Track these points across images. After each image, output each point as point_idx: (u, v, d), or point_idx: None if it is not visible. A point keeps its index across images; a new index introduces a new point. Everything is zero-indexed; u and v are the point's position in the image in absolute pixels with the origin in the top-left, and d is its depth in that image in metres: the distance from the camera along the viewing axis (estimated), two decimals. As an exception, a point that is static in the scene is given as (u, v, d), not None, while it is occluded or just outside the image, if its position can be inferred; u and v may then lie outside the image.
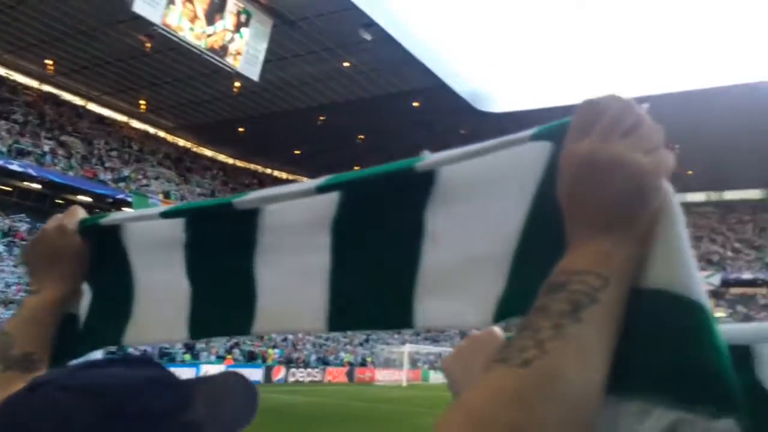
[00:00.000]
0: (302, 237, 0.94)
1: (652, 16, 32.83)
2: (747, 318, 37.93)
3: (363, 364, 41.69)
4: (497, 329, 0.89)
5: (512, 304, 0.76)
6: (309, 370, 36.68)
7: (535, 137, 0.75)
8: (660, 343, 0.59)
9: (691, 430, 0.56)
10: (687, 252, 0.62)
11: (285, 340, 38.38)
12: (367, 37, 29.66)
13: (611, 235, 0.62)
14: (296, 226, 0.94)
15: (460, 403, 0.54)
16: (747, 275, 41.39)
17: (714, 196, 48.85)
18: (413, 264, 0.87)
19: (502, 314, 0.79)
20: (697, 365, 0.58)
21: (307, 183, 0.93)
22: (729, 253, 43.72)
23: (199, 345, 32.13)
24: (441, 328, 0.93)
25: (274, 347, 36.91)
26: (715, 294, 40.50)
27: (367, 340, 44.45)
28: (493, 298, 0.79)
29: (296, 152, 48.31)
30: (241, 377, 0.87)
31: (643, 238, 0.62)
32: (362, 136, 43.66)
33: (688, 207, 49.17)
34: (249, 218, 0.96)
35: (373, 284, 0.91)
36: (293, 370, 35.60)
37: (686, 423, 0.56)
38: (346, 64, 33.98)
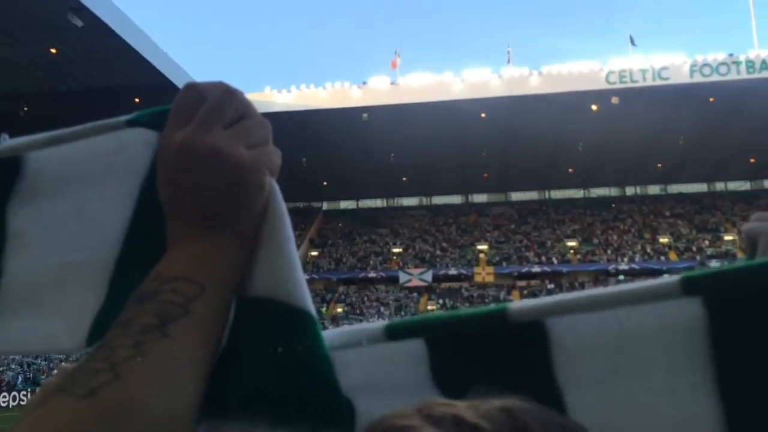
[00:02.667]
0: None
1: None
2: (454, 308, 42.50)
3: (83, 382, 37.61)
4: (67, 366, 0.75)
5: (112, 321, 0.63)
6: (15, 393, 31.98)
7: (131, 123, 0.67)
8: (262, 357, 0.54)
9: None
10: (292, 256, 0.57)
11: (-18, 362, 32.98)
12: (78, 22, 26.88)
13: (211, 235, 0.56)
14: None
15: None
16: (453, 271, 46.46)
17: (425, 200, 54.34)
18: None
19: (98, 334, 0.67)
20: (297, 379, 0.54)
21: None
22: (438, 252, 48.75)
23: None
24: (27, 353, 0.74)
25: (-33, 371, 31.49)
26: (429, 289, 44.83)
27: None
28: (90, 314, 0.68)
29: (-7, 146, 41.90)
30: None
31: (248, 241, 0.57)
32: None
33: (404, 210, 53.97)
34: None
35: None
36: (-6, 394, 30.74)
37: None
38: (53, 50, 30.40)
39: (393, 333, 0.61)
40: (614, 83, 36.68)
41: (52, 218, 0.70)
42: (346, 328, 0.64)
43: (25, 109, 36.43)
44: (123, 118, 0.67)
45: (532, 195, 53.59)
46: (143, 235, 0.66)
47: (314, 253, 48.29)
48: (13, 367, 34.94)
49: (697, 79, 35.76)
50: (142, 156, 0.66)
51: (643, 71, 36.49)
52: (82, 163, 0.68)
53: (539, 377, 0.57)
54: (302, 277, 0.58)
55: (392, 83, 38.80)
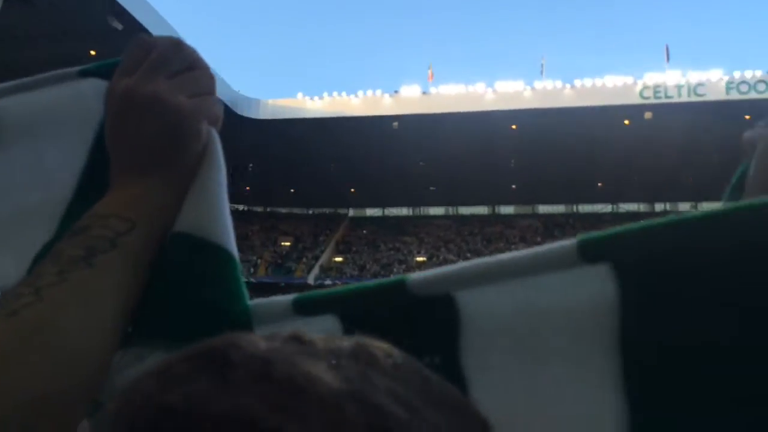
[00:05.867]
0: None
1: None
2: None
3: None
4: None
5: None
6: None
7: (84, 73, 0.70)
8: (172, 286, 0.57)
9: None
10: (218, 198, 0.59)
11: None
12: (118, 26, 27.52)
13: (148, 177, 0.59)
14: None
15: None
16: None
17: (451, 210, 54.18)
18: None
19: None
20: (206, 306, 0.56)
21: None
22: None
23: None
24: None
25: None
26: (452, 299, 44.50)
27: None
28: (36, 250, 0.70)
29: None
30: None
31: (183, 184, 0.60)
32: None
33: (430, 219, 53.87)
34: None
35: None
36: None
37: None
38: (92, 52, 31.13)
39: (303, 308, 0.59)
40: (648, 98, 36.25)
41: (10, 164, 0.72)
42: (252, 302, 0.61)
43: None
44: (76, 68, 0.70)
45: (559, 208, 53.06)
46: (95, 180, 0.68)
47: (338, 259, 48.45)
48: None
49: (734, 96, 35.16)
50: (95, 105, 0.68)
51: (679, 87, 35.99)
52: (39, 112, 0.71)
53: (443, 358, 0.50)
54: (227, 219, 0.59)
55: (424, 93, 38.87)
